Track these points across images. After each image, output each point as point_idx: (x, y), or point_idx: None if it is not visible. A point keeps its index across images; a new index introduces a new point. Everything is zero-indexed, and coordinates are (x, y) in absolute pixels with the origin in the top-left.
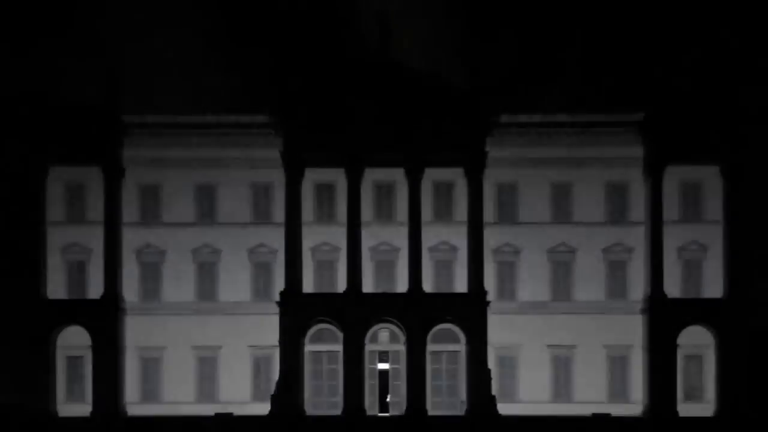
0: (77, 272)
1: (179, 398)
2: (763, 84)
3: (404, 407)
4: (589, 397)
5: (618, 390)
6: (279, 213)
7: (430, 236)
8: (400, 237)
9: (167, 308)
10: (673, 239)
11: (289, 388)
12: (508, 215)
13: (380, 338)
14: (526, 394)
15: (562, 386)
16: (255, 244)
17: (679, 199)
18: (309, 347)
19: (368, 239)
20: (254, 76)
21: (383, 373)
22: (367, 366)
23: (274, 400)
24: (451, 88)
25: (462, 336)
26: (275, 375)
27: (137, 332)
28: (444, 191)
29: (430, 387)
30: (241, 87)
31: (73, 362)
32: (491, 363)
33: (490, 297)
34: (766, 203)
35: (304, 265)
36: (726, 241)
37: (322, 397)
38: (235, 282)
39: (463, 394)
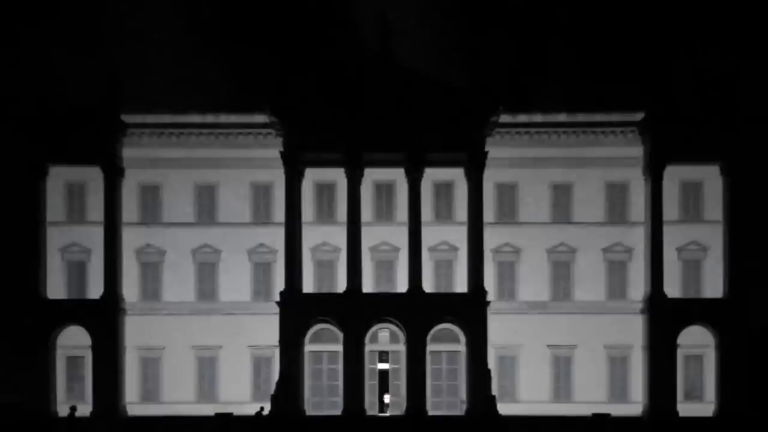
0: (77, 272)
1: (179, 398)
2: (763, 84)
3: (404, 407)
4: (589, 397)
5: (618, 390)
6: (279, 213)
7: (430, 236)
8: (400, 237)
9: (167, 308)
10: (673, 239)
11: (289, 388)
12: (508, 215)
13: (380, 338)
14: (526, 394)
15: (562, 386)
16: (255, 244)
17: (679, 199)
18: (309, 347)
19: (368, 239)
20: (254, 75)
21: (383, 373)
22: (367, 366)
23: (274, 400)
24: (451, 88)
25: (462, 336)
26: (275, 375)
27: (137, 332)
28: (444, 191)
29: (430, 387)
30: (241, 87)
31: (73, 362)
32: (491, 363)
33: (490, 297)
34: (766, 203)
35: (304, 265)
36: (726, 241)
37: (322, 397)
38: (235, 282)
39: (463, 394)
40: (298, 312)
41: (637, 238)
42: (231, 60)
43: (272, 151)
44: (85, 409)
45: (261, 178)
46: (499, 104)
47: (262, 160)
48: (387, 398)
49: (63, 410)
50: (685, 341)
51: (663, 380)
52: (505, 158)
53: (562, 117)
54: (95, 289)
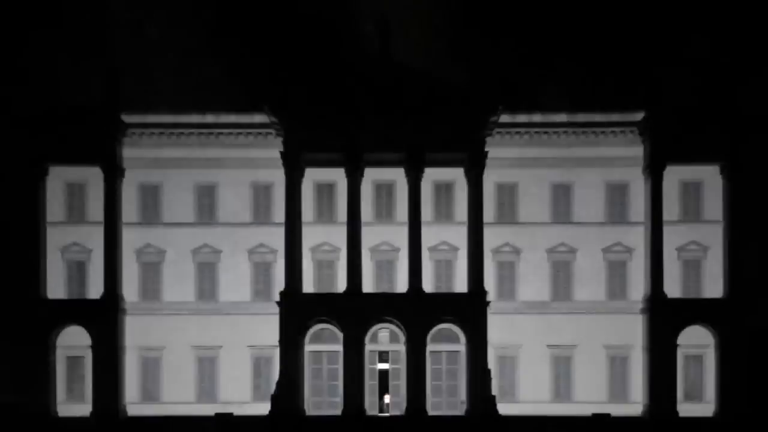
0: (77, 272)
1: (179, 398)
2: (764, 84)
3: (404, 407)
4: (589, 397)
5: (618, 390)
6: (279, 213)
7: (430, 236)
8: (400, 237)
9: (167, 308)
10: (673, 239)
11: (289, 388)
12: (508, 215)
13: (380, 338)
14: (526, 394)
15: (562, 386)
16: (255, 244)
17: (679, 199)
18: (309, 347)
19: (368, 239)
20: (254, 75)
21: (383, 373)
22: (367, 366)
23: (274, 400)
24: (451, 87)
25: (462, 336)
26: (275, 375)
27: (137, 332)
28: (444, 191)
29: (430, 387)
30: (241, 87)
31: (73, 362)
32: (491, 363)
33: (490, 297)
34: (766, 203)
35: (304, 265)
36: (726, 241)
37: (322, 397)
38: (235, 282)
39: (463, 394)
40: (298, 312)
41: (637, 238)
42: (231, 60)
43: (272, 151)
44: (85, 409)
45: (261, 178)
46: (499, 104)
47: (262, 160)
48: (387, 398)
49: (63, 410)
50: (685, 341)
51: (663, 380)
52: (505, 158)
53: (562, 117)
54: (95, 289)
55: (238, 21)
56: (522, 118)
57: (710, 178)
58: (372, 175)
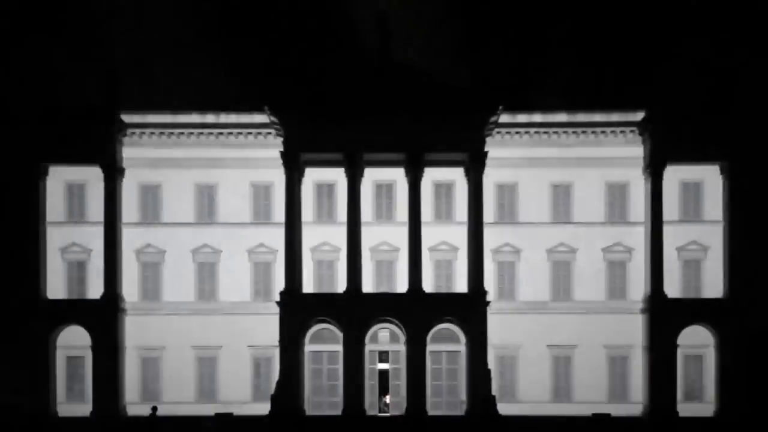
0: (77, 272)
1: (179, 398)
2: (764, 84)
3: (404, 407)
4: (589, 397)
5: (618, 390)
6: (279, 213)
7: (430, 236)
8: (400, 237)
9: (167, 308)
10: (673, 239)
11: (289, 388)
12: (508, 215)
13: (380, 338)
14: (526, 394)
15: (562, 386)
16: (255, 244)
17: (679, 199)
18: (309, 347)
19: (368, 239)
20: (254, 75)
21: (383, 373)
22: (367, 366)
23: (274, 400)
24: (451, 87)
25: (462, 336)
26: (275, 375)
27: (137, 332)
28: (444, 191)
29: (430, 387)
30: (241, 87)
31: (73, 362)
32: (491, 363)
33: (490, 297)
34: (766, 203)
35: (304, 265)
36: (726, 241)
37: (322, 397)
38: (235, 282)
39: (463, 394)
40: (298, 312)
41: (637, 238)
42: (231, 60)
43: (272, 151)
44: (85, 409)
45: (261, 178)
46: (499, 104)
47: (262, 160)
48: (387, 398)
49: (63, 410)
50: (685, 341)
51: (663, 380)
52: (505, 158)
53: (562, 117)
54: (95, 289)
55: (238, 21)
56: (522, 118)
57: (710, 178)
58: (372, 175)
